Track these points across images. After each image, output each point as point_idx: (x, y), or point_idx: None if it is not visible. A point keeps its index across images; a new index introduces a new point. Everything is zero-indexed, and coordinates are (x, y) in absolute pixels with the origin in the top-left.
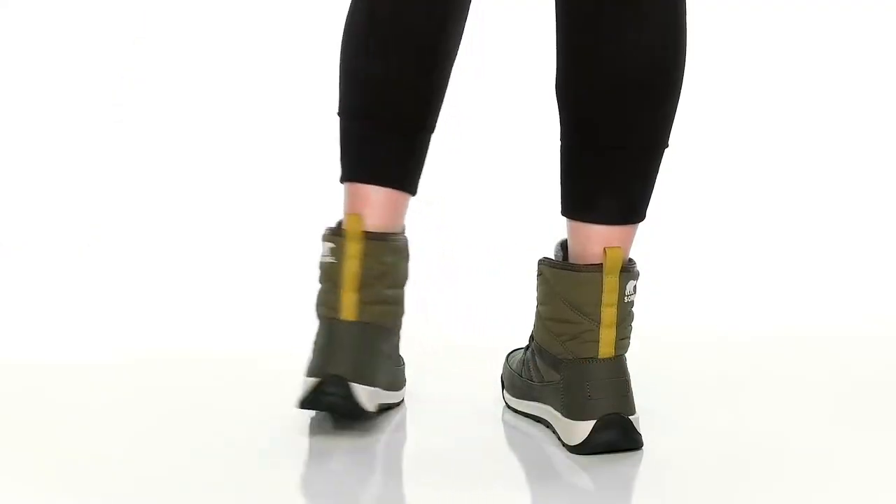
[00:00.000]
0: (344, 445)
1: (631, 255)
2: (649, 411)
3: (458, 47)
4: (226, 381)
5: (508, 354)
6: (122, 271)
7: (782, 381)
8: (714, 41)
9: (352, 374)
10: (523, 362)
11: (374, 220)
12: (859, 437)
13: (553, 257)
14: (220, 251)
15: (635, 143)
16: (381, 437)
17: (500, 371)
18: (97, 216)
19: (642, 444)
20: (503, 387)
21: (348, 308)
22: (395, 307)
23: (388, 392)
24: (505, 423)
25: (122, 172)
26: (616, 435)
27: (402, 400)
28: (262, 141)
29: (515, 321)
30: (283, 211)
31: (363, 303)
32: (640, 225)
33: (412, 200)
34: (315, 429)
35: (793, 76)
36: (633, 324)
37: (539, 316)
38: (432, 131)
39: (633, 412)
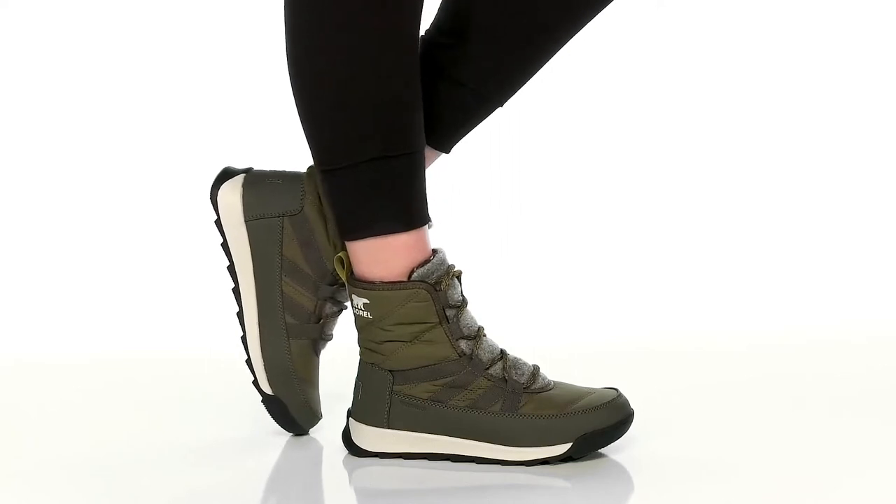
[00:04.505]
0: (337, 449)
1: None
2: (646, 415)
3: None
4: (225, 381)
5: None
6: (121, 271)
7: (778, 384)
8: (712, 41)
9: None
10: None
11: None
12: (857, 439)
13: None
14: (219, 252)
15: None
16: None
17: None
18: (97, 216)
19: (352, 452)
20: None
21: None
22: None
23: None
24: None
25: (121, 172)
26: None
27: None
28: (261, 141)
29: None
30: None
31: None
32: (636, 229)
33: None
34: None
35: (790, 78)
36: (381, 345)
37: None
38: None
39: (351, 414)
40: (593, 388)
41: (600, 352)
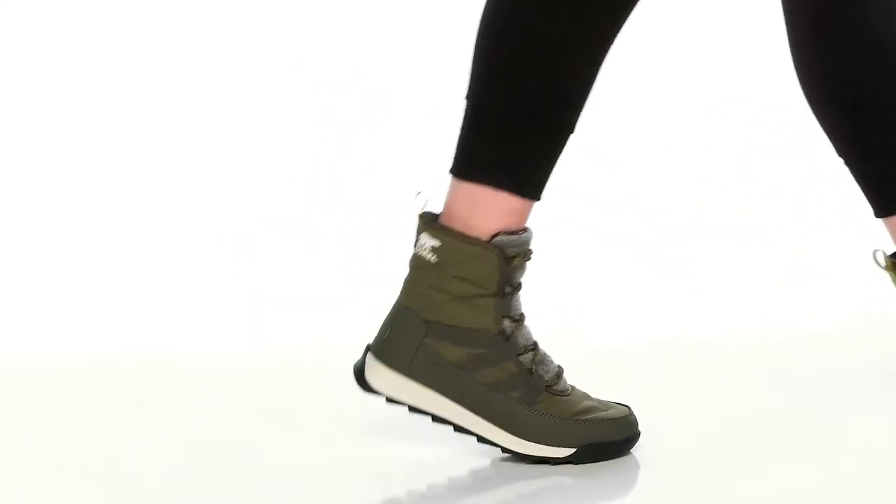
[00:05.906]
0: (337, 449)
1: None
2: (647, 415)
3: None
4: (225, 381)
5: None
6: (121, 271)
7: (780, 384)
8: (710, 41)
9: None
10: None
11: None
12: (859, 439)
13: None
14: (219, 252)
15: None
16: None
17: None
18: (97, 216)
19: (361, 386)
20: None
21: None
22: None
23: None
24: None
25: (121, 172)
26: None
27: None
28: (259, 142)
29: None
30: (284, 212)
31: None
32: (637, 229)
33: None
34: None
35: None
36: (433, 291)
37: None
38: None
39: (371, 350)
40: (608, 403)
41: (600, 352)
